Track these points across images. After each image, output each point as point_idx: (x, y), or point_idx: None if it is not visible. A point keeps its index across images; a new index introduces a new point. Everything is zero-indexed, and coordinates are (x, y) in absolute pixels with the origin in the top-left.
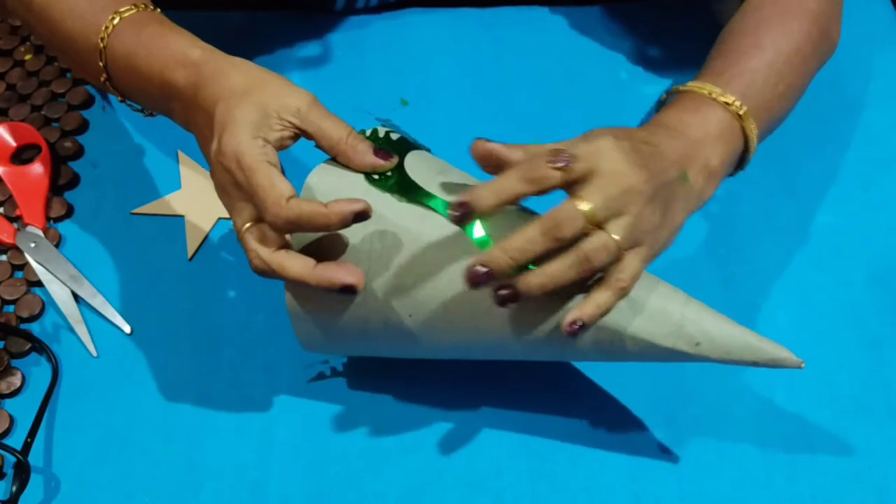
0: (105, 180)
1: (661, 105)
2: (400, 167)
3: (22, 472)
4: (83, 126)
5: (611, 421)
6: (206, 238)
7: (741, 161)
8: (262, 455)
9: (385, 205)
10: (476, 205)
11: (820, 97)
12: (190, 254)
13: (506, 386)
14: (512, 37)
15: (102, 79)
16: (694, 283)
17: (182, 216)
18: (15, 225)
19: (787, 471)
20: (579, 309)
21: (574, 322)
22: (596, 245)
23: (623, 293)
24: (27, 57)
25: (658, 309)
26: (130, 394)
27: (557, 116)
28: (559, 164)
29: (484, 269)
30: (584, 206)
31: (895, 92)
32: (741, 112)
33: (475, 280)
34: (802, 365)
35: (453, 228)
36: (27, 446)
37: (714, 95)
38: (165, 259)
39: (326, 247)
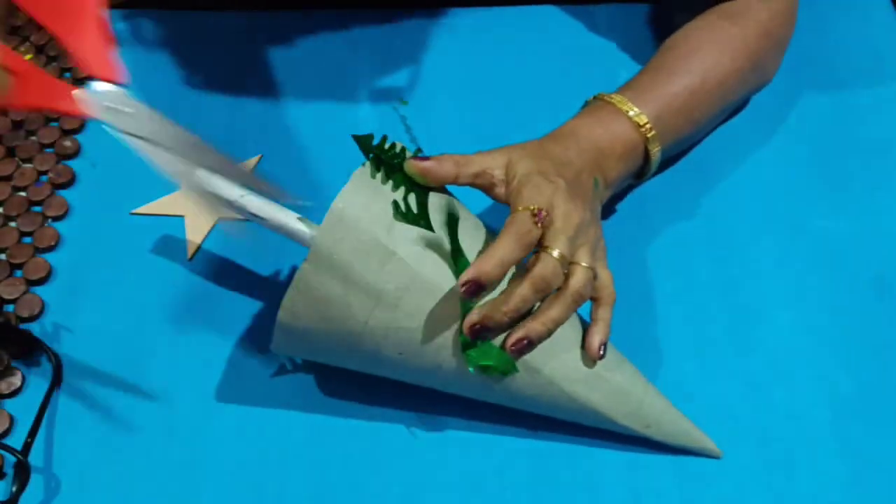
0: (104, 180)
1: (584, 106)
2: (424, 204)
3: (22, 472)
4: (82, 125)
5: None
6: (205, 238)
7: (641, 174)
8: (262, 455)
9: (405, 248)
10: (486, 280)
11: (820, 98)
12: (190, 254)
13: None
14: (512, 37)
15: None
16: (694, 284)
17: (182, 216)
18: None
19: (786, 471)
20: (600, 333)
21: (601, 347)
22: (582, 281)
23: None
24: (27, 56)
25: (623, 388)
26: (130, 394)
27: (557, 116)
28: (541, 223)
29: (481, 326)
30: (556, 252)
31: (895, 93)
32: (649, 135)
33: (475, 335)
34: (721, 455)
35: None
36: (27, 446)
37: (630, 115)
38: (165, 259)
39: (348, 275)
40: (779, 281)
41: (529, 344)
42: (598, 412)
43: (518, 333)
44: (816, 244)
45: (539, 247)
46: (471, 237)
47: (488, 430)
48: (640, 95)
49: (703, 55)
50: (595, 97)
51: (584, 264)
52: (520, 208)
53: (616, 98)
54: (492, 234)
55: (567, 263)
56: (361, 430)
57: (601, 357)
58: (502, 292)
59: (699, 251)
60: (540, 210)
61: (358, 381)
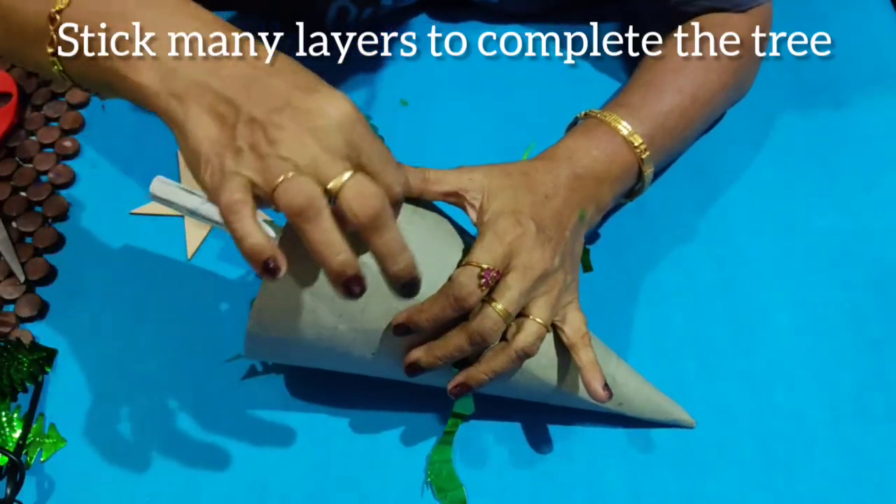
0: (104, 180)
1: (575, 123)
2: None
3: (16, 473)
4: (82, 125)
5: (611, 420)
6: (206, 238)
7: (630, 193)
8: (263, 455)
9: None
10: (415, 330)
11: (820, 97)
12: (190, 254)
13: None
14: (511, 40)
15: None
16: (693, 283)
17: (182, 216)
18: None
19: (787, 471)
20: (595, 377)
21: (604, 387)
22: (530, 338)
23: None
24: None
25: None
26: (130, 394)
27: (555, 118)
28: (487, 285)
29: (417, 366)
30: (500, 307)
31: (895, 92)
32: (643, 156)
33: (411, 373)
34: (694, 425)
35: (428, 286)
36: (19, 448)
37: (625, 134)
38: (165, 259)
39: (312, 281)
40: (779, 281)
41: (469, 388)
42: (570, 392)
43: (459, 378)
44: (816, 243)
45: (487, 296)
46: (426, 235)
47: (488, 430)
48: (632, 113)
49: (691, 72)
50: (586, 114)
51: (538, 320)
52: (472, 262)
53: (610, 117)
54: (454, 233)
55: (513, 318)
56: (361, 430)
57: (610, 397)
58: (442, 337)
59: (699, 251)
60: (489, 270)
61: (358, 380)
